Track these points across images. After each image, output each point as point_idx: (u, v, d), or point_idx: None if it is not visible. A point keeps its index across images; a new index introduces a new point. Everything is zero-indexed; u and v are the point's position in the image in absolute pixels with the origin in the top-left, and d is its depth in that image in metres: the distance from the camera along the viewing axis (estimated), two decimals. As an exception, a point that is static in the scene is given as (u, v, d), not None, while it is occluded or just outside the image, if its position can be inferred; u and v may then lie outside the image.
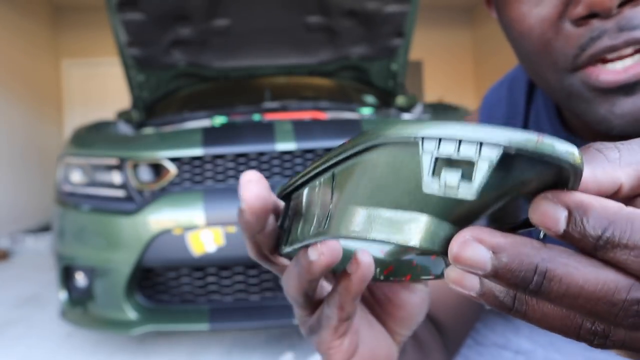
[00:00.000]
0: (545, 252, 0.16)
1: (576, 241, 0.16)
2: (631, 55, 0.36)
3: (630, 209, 0.16)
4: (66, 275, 1.88)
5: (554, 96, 0.44)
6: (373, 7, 2.50)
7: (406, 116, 2.34)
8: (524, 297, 0.18)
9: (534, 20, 0.40)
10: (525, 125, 0.56)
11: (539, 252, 0.16)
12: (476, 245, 0.16)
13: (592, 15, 0.37)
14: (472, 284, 0.18)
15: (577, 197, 0.16)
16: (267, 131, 1.84)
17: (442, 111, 2.37)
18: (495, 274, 0.16)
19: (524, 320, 0.18)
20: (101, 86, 6.48)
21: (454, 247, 0.17)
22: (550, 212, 0.16)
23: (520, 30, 0.42)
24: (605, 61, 0.37)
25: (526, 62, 0.44)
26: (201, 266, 1.78)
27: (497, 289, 0.18)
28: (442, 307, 0.53)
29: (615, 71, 0.37)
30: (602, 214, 0.16)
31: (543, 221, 0.16)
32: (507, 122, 0.57)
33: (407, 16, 2.54)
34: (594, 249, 0.16)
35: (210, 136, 1.83)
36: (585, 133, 0.48)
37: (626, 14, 0.35)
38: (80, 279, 1.86)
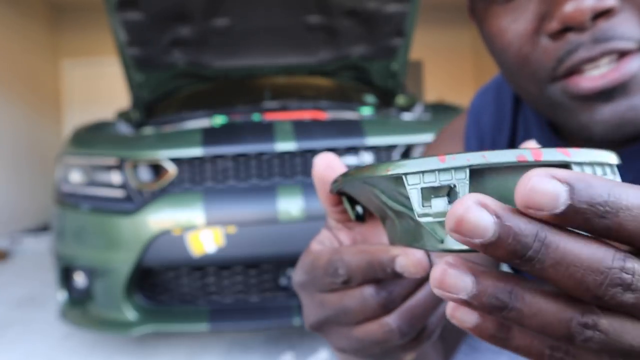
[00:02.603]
0: (541, 223, 0.17)
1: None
2: (607, 63, 0.38)
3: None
4: (66, 276, 1.87)
5: (536, 107, 0.45)
6: (373, 6, 2.50)
7: (406, 116, 2.34)
8: (520, 293, 0.18)
9: (511, 35, 0.42)
10: (513, 131, 0.57)
11: (537, 222, 0.17)
12: (481, 209, 0.17)
13: (567, 29, 0.38)
14: (464, 284, 0.18)
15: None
16: (267, 131, 1.84)
17: (442, 111, 2.37)
18: (496, 240, 0.16)
19: (518, 320, 0.18)
20: (101, 86, 6.47)
21: (458, 210, 0.17)
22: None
23: (500, 44, 0.43)
24: (582, 71, 0.39)
25: (508, 74, 0.46)
26: (201, 266, 1.78)
27: (493, 285, 0.18)
28: (436, 312, 0.52)
29: (592, 78, 0.38)
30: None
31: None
32: (495, 127, 0.58)
33: (407, 16, 2.54)
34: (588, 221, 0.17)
35: (210, 136, 1.83)
36: (574, 138, 0.49)
37: (600, 27, 0.37)
38: (80, 279, 1.85)
